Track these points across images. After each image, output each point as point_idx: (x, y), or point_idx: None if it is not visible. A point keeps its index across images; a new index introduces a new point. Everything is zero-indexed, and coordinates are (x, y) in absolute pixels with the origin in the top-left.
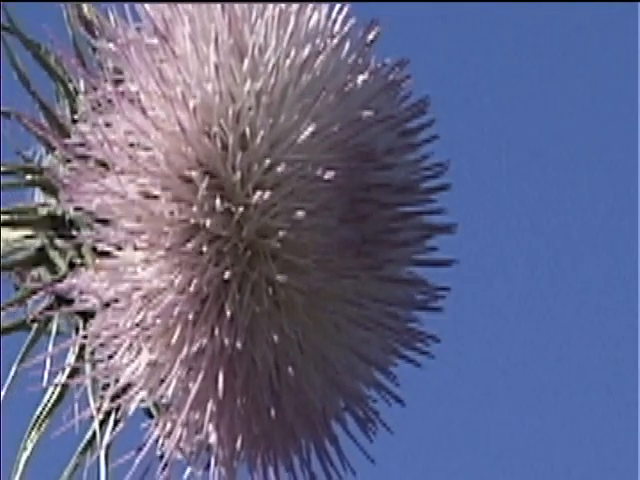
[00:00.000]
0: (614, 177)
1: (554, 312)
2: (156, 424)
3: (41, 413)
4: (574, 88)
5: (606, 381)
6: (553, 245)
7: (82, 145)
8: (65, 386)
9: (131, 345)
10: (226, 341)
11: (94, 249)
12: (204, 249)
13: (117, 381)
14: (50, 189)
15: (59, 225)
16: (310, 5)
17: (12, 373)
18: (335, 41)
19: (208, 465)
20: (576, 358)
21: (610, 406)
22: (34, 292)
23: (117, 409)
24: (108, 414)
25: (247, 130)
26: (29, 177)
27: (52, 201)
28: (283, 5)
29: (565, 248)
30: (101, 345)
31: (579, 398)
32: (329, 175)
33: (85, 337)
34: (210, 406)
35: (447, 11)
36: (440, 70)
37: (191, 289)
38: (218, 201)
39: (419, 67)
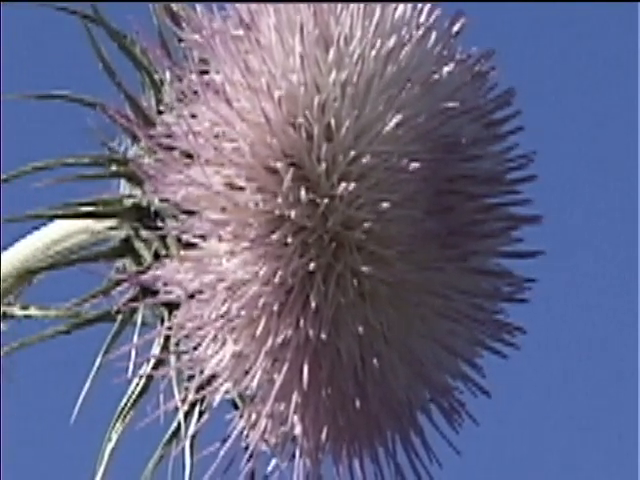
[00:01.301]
0: None
1: None
2: (241, 415)
3: (126, 404)
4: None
5: None
6: None
7: (167, 136)
8: (150, 377)
9: (216, 336)
10: (311, 332)
11: (179, 240)
12: (289, 240)
13: (202, 372)
14: (135, 180)
15: (144, 216)
16: None
17: (97, 364)
18: (420, 32)
19: (293, 456)
20: None
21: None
22: (119, 283)
23: (202, 400)
24: (193, 405)
25: (332, 121)
26: (114, 168)
27: (137, 192)
28: None
29: None
30: (186, 336)
31: None
32: (414, 166)
33: (170, 328)
34: (295, 397)
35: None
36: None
37: (276, 280)
38: (303, 192)
39: (505, 57)
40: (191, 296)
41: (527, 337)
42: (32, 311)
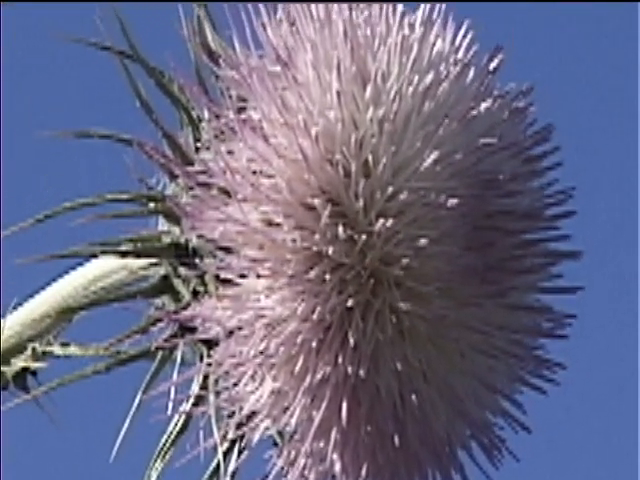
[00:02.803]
0: None
1: None
2: (280, 453)
3: (165, 442)
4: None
5: None
6: None
7: (205, 173)
8: (189, 415)
9: (255, 373)
10: (349, 369)
11: (217, 277)
12: (327, 277)
13: (241, 410)
14: (173, 217)
15: (182, 254)
16: (434, 32)
17: (137, 401)
18: (458, 68)
19: None
20: None
21: None
22: (158, 321)
23: (241, 438)
24: (232, 443)
25: (370, 157)
26: (152, 205)
27: (175, 229)
28: (406, 32)
29: None
30: (225, 373)
31: None
32: (452, 202)
33: (209, 365)
34: (334, 435)
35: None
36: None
37: (314, 317)
38: (341, 229)
39: (543, 92)
40: (230, 333)
41: (568, 373)
42: (72, 349)
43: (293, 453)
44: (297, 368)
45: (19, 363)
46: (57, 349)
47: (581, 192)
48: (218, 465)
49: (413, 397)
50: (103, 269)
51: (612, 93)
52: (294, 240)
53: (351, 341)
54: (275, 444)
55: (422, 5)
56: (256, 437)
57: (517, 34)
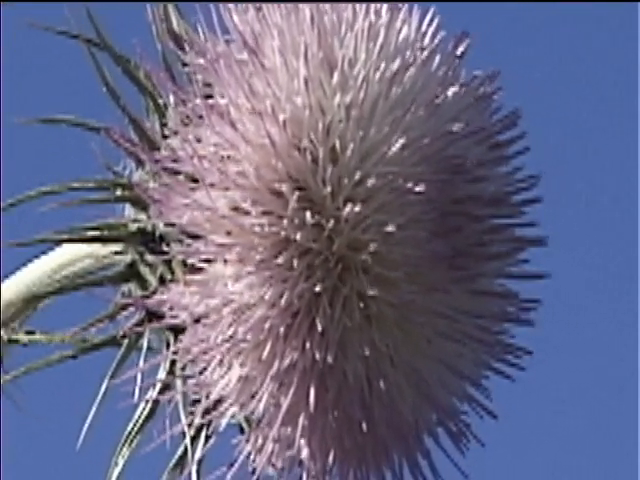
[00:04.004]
0: None
1: None
2: (247, 439)
3: (132, 429)
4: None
5: None
6: None
7: (172, 160)
8: (156, 402)
9: (222, 360)
10: (317, 355)
11: (184, 264)
12: (295, 263)
13: (208, 396)
14: (140, 204)
15: (149, 240)
16: (400, 18)
17: (103, 389)
18: (425, 54)
19: None
20: None
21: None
22: (124, 308)
23: (208, 424)
24: (199, 430)
25: (337, 143)
26: (119, 192)
27: (142, 216)
28: (373, 18)
29: None
30: (192, 360)
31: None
32: (420, 188)
33: (176, 352)
34: (302, 421)
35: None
36: (532, 80)
37: (282, 303)
38: (308, 214)
39: (510, 78)
40: (197, 320)
41: (534, 358)
42: (37, 336)
43: (261, 439)
44: (265, 354)
45: None
46: (23, 337)
47: (549, 178)
48: (185, 451)
49: (380, 382)
50: (69, 256)
51: (578, 76)
52: (262, 226)
53: (319, 327)
54: (242, 431)
55: None
56: (223, 424)
57: (483, 19)
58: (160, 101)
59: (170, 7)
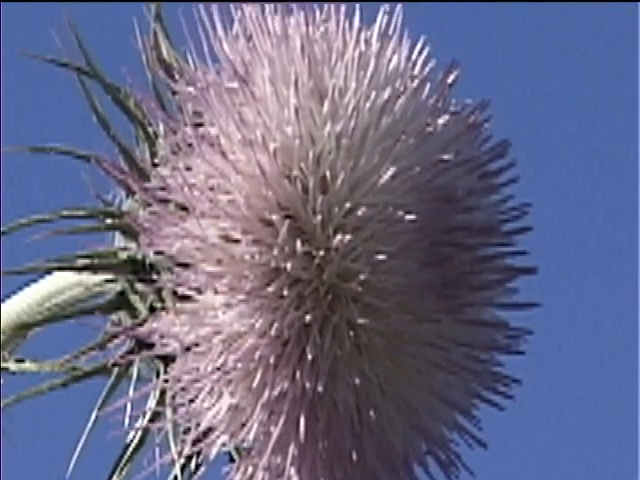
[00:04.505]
0: None
1: None
2: (237, 468)
3: (122, 457)
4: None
5: None
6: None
7: (162, 189)
8: (146, 431)
9: (212, 389)
10: (307, 385)
11: (174, 293)
12: (285, 292)
13: (198, 425)
14: (130, 233)
15: (139, 269)
16: (390, 47)
17: (93, 418)
18: (415, 83)
19: None
20: None
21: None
22: (114, 337)
23: (198, 453)
24: (189, 458)
25: (327, 173)
26: (109, 221)
27: (132, 245)
28: (363, 47)
29: None
30: (182, 389)
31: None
32: (410, 218)
33: (166, 381)
34: (292, 450)
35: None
36: (522, 110)
37: (272, 333)
38: (299, 244)
39: (500, 107)
40: (187, 349)
41: (524, 388)
42: (27, 365)
43: (251, 468)
44: (255, 383)
45: None
46: (12, 365)
47: (539, 207)
48: None
49: (371, 412)
50: (59, 285)
51: (568, 106)
52: (252, 255)
53: (309, 356)
54: (232, 460)
55: (378, 20)
56: (213, 453)
57: (474, 49)
58: (150, 130)
59: (160, 36)
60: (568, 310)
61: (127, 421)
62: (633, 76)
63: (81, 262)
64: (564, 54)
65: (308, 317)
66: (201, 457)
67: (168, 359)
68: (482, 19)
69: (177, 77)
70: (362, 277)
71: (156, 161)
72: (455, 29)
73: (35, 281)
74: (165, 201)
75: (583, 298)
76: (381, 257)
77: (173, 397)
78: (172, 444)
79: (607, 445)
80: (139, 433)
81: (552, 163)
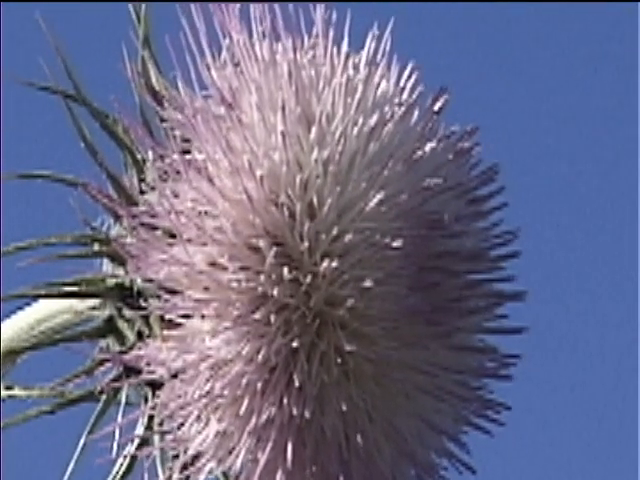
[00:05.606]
0: None
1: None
2: None
3: None
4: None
5: None
6: (630, 312)
7: (150, 215)
8: (134, 457)
9: (200, 415)
10: (295, 411)
11: (162, 319)
12: (272, 318)
13: (186, 452)
14: (118, 259)
15: (127, 296)
16: (378, 73)
17: (81, 444)
18: (403, 109)
19: None
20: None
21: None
22: (102, 363)
23: (186, 479)
24: None
25: (315, 199)
26: (97, 247)
27: (120, 271)
28: (351, 73)
29: None
30: (170, 416)
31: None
32: (397, 243)
33: (154, 408)
34: (279, 476)
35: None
36: (510, 135)
37: (259, 359)
38: (286, 270)
39: (488, 133)
40: (174, 375)
41: (513, 413)
42: (16, 391)
43: None
44: (242, 409)
45: None
46: (1, 391)
47: (527, 232)
48: None
49: (358, 438)
50: (47, 311)
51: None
52: (239, 281)
53: (296, 382)
54: None
55: (366, 45)
56: (201, 479)
57: (463, 73)
58: (138, 156)
59: (149, 63)
60: (557, 336)
61: (115, 447)
62: (633, 78)
63: (69, 289)
64: (555, 78)
65: (295, 343)
66: None
67: (156, 385)
68: (472, 42)
69: (165, 104)
70: (349, 303)
71: (144, 187)
72: (445, 53)
73: (23, 308)
74: (153, 227)
75: (572, 321)
76: (368, 283)
77: (161, 423)
78: (160, 471)
79: (607, 459)
80: (127, 460)
81: (541, 188)
